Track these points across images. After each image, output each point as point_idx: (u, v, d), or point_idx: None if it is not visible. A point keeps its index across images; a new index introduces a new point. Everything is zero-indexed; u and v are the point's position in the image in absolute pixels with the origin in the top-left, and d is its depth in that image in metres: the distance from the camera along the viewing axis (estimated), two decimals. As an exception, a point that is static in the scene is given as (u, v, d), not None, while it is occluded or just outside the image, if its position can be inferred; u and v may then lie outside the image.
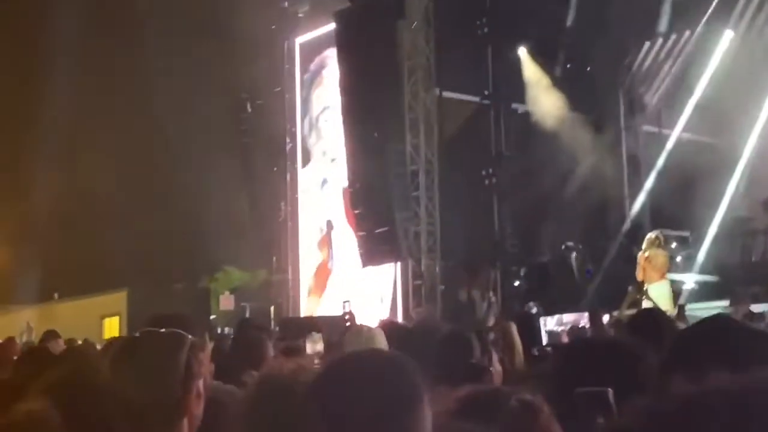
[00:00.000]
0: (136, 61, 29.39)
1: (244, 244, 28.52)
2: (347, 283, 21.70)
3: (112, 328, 28.57)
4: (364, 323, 11.90)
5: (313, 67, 24.01)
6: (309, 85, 24.13)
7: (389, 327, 5.45)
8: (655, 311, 5.01)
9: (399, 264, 20.59)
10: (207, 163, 28.43)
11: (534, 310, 10.51)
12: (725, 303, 16.31)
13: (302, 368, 2.46)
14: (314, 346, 4.87)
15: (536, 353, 5.24)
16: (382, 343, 4.72)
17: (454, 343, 4.63)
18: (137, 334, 3.00)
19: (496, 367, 5.26)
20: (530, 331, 5.87)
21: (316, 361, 4.95)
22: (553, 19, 21.32)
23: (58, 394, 2.99)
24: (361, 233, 20.03)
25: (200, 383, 2.82)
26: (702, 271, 18.95)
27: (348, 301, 17.24)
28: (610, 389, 2.54)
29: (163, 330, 2.92)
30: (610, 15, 19.94)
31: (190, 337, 2.86)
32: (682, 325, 11.30)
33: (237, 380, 4.84)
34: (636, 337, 4.78)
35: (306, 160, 24.37)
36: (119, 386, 2.79)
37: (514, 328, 5.55)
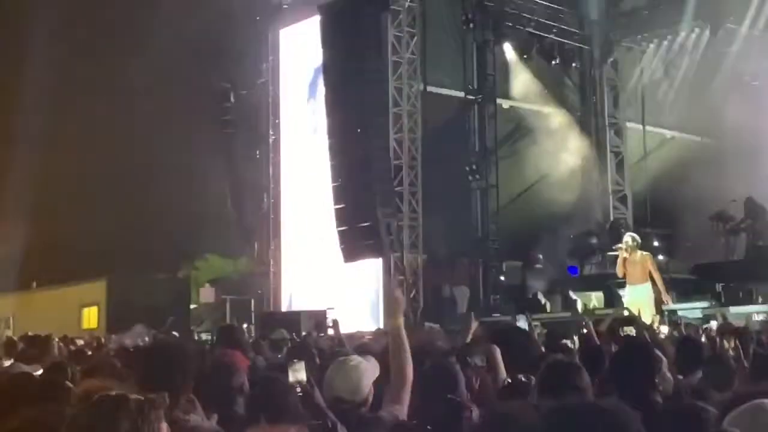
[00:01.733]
0: (119, 46, 29.16)
1: (225, 232, 28.42)
2: (329, 278, 21.60)
3: (91, 318, 28.34)
4: (348, 332, 11.84)
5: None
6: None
7: (374, 353, 5.33)
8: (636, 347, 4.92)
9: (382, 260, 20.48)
10: (189, 152, 28.26)
11: (523, 323, 10.18)
12: (705, 303, 16.37)
13: None
14: (296, 374, 4.74)
15: (523, 380, 5.10)
16: (366, 376, 4.61)
17: (435, 378, 4.55)
18: (91, 403, 2.88)
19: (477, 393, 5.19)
20: (516, 351, 5.72)
21: (298, 389, 4.84)
22: (538, 17, 21.26)
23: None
24: (343, 228, 19.92)
25: None
26: (683, 270, 18.97)
27: (333, 308, 17.07)
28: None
29: (112, 393, 2.81)
30: (595, 14, 19.95)
31: (137, 398, 2.75)
32: (663, 330, 11.18)
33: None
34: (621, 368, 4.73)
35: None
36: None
37: (498, 352, 5.44)
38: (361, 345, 7.40)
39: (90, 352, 12.34)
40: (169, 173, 29.55)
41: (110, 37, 29.08)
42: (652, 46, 22.31)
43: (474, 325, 7.23)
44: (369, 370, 4.70)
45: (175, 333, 17.25)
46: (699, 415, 3.32)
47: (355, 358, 4.84)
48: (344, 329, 13.63)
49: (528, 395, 4.70)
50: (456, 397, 4.34)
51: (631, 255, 15.18)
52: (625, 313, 11.70)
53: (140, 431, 2.70)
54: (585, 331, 8.53)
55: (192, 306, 27.42)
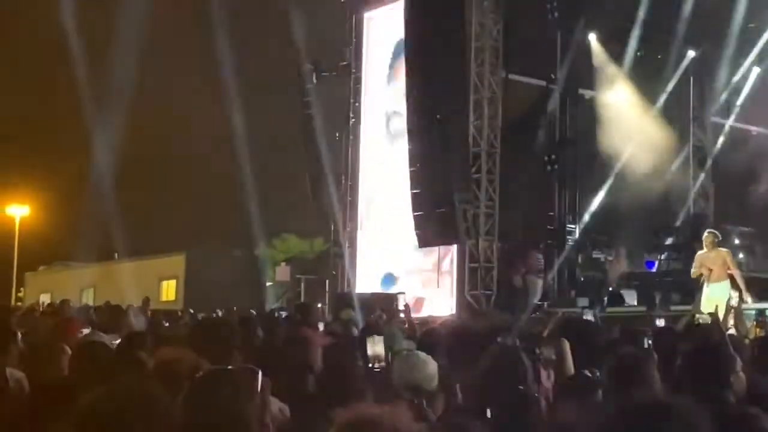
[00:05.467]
0: (203, 23, 29.53)
1: (303, 213, 28.70)
2: (403, 262, 21.70)
3: (169, 291, 28.94)
4: (419, 317, 11.92)
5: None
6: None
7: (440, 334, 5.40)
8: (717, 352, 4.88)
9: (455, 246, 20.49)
10: (269, 131, 28.56)
11: (590, 317, 10.06)
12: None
13: (392, 413, 2.48)
14: (375, 348, 4.88)
15: (588, 375, 5.12)
16: (430, 370, 4.72)
17: (503, 366, 4.58)
18: (210, 371, 3.10)
19: (545, 385, 5.22)
20: (585, 346, 5.70)
21: (377, 365, 4.96)
22: (624, 7, 20.93)
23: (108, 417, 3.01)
24: (419, 213, 19.93)
25: (268, 415, 2.95)
26: (765, 269, 18.62)
27: (404, 293, 17.16)
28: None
29: (234, 367, 3.07)
30: (684, 5, 19.61)
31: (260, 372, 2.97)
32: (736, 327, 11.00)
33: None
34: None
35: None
36: (171, 408, 2.86)
37: (567, 346, 5.45)
38: (428, 331, 7.44)
39: (167, 324, 12.64)
40: (249, 152, 29.89)
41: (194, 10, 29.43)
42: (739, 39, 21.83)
43: (555, 320, 7.23)
44: (430, 362, 4.85)
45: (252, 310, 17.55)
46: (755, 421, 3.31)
47: (420, 353, 5.00)
48: (415, 314, 13.74)
49: (592, 389, 4.72)
50: (524, 388, 4.38)
51: (709, 252, 14.93)
52: (704, 311, 11.56)
53: (266, 402, 3.04)
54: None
55: (268, 284, 27.81)
